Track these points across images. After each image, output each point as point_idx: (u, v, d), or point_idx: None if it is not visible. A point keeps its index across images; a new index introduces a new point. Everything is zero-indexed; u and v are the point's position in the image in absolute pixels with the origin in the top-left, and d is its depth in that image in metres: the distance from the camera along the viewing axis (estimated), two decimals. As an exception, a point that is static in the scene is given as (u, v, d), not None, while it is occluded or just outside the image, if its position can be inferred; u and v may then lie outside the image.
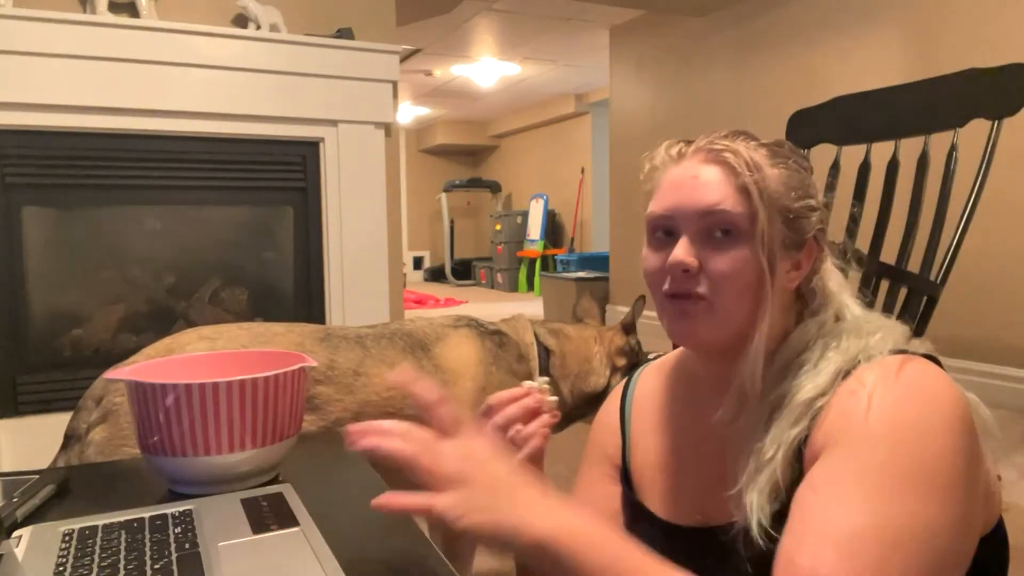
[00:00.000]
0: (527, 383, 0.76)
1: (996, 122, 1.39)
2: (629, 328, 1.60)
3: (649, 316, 4.72)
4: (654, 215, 0.74)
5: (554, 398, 0.76)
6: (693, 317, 0.71)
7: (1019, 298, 2.81)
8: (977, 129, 1.41)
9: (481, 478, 0.57)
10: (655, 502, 0.81)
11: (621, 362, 1.54)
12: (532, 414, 0.74)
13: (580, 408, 1.50)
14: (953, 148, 1.45)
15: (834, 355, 0.66)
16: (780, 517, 0.61)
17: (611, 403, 0.92)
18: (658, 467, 0.82)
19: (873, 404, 0.61)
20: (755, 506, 0.63)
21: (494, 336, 1.42)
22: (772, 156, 0.72)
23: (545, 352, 1.46)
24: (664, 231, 0.73)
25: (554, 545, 0.55)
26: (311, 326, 1.34)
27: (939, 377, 0.63)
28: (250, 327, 1.29)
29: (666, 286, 0.72)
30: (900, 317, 1.38)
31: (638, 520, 0.82)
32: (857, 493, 0.57)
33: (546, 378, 0.79)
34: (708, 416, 0.75)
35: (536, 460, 0.74)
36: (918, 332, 1.35)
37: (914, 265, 1.44)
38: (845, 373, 0.65)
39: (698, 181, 0.71)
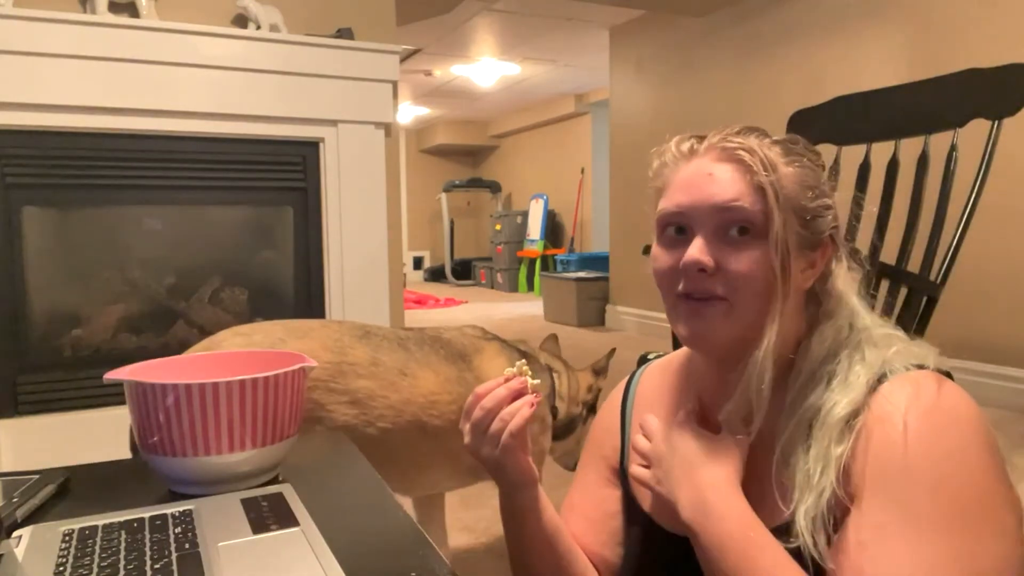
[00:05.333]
0: (508, 370, 0.78)
1: (996, 122, 1.39)
2: (599, 371, 1.65)
3: (650, 315, 4.73)
4: (666, 212, 0.72)
5: (536, 380, 0.77)
6: (710, 318, 0.69)
7: (1019, 298, 2.81)
8: (977, 129, 1.41)
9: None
10: (655, 507, 0.80)
11: (588, 398, 1.60)
12: (518, 395, 0.76)
13: (558, 431, 1.54)
14: (953, 148, 1.45)
15: (861, 368, 0.65)
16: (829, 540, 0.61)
17: (611, 403, 0.91)
18: None
19: (909, 435, 0.60)
20: (805, 529, 0.61)
21: (520, 352, 1.47)
22: (786, 154, 0.71)
23: (550, 373, 1.51)
24: (676, 229, 0.71)
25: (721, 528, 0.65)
26: (349, 322, 1.38)
27: (963, 398, 0.62)
28: (285, 323, 1.33)
29: (681, 286, 0.70)
30: (900, 317, 1.38)
31: (633, 523, 0.82)
32: (906, 547, 0.57)
33: (524, 360, 0.80)
34: (714, 422, 0.75)
35: (521, 435, 0.75)
36: (918, 332, 1.35)
37: (914, 265, 1.44)
38: (873, 386, 0.64)
39: (712, 178, 0.69)
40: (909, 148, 1.51)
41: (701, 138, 0.73)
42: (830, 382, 0.66)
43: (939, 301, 1.37)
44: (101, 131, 2.37)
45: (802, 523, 0.61)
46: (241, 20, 2.60)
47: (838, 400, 0.64)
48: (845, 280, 0.72)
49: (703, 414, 0.77)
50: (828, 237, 0.71)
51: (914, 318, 1.37)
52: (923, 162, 1.48)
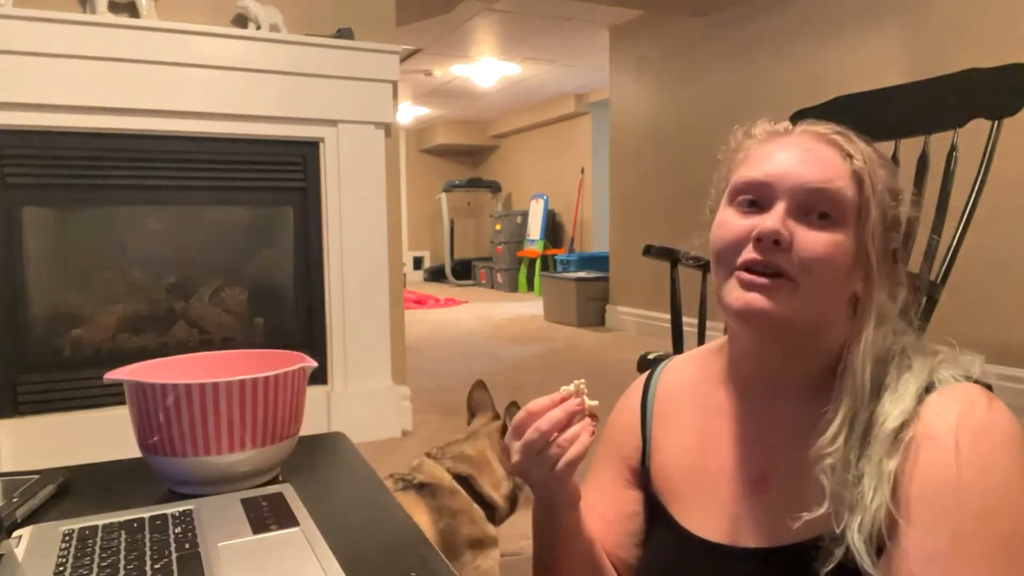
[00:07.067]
0: (564, 388, 0.71)
1: (996, 122, 1.39)
2: (505, 431, 1.54)
3: (650, 315, 4.69)
4: (751, 180, 0.68)
5: (595, 403, 0.70)
6: (772, 292, 0.65)
7: (1019, 298, 2.81)
8: (977, 129, 1.41)
9: None
10: (681, 509, 0.77)
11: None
12: (574, 417, 0.69)
13: (508, 511, 1.45)
14: (953, 148, 1.45)
15: (910, 376, 0.63)
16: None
17: (629, 402, 0.86)
18: (686, 472, 0.77)
19: (961, 457, 0.58)
20: (863, 552, 0.59)
21: (423, 489, 1.35)
22: (879, 156, 0.69)
23: (465, 479, 1.40)
24: (753, 199, 0.68)
25: None
26: None
27: (1011, 417, 0.61)
28: None
29: (747, 254, 0.66)
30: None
31: (659, 527, 0.79)
32: None
33: (583, 380, 0.71)
34: (752, 422, 0.72)
35: (576, 463, 0.69)
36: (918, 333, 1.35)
37: (914, 265, 1.44)
38: (920, 396, 0.62)
39: (812, 155, 0.67)
40: (909, 148, 1.51)
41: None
42: (880, 393, 0.64)
43: (939, 301, 1.37)
44: (101, 131, 2.37)
45: (857, 543, 0.59)
46: (241, 20, 2.59)
47: (889, 412, 0.62)
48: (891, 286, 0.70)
49: (740, 416, 0.74)
50: (893, 250, 0.69)
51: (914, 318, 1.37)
52: (923, 162, 1.48)
